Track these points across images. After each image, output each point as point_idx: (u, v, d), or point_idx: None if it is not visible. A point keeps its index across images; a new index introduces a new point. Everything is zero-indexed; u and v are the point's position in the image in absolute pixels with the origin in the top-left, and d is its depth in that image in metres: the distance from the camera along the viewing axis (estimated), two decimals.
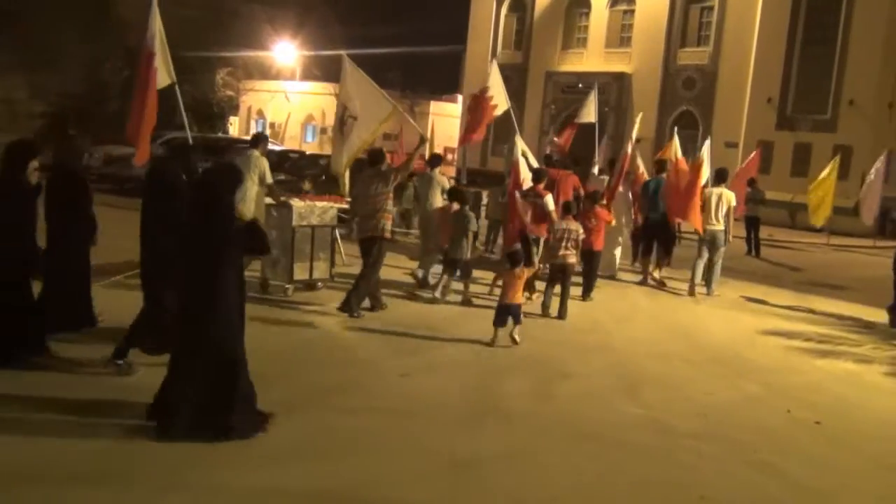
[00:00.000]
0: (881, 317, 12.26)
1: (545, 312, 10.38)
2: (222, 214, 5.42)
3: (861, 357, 9.80)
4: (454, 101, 46.21)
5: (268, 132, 48.42)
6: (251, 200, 9.96)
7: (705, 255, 12.93)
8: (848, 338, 10.87)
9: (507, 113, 14.17)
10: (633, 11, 37.14)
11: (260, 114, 51.45)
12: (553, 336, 9.52)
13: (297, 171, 18.86)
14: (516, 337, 8.65)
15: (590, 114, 17.33)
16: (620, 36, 37.73)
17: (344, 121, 11.03)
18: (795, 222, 28.74)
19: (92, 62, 30.82)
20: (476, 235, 12.18)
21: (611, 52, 37.72)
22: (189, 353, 5.39)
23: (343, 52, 11.40)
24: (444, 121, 43.81)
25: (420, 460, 5.50)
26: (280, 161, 20.87)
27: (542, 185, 11.49)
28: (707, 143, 13.86)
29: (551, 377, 7.77)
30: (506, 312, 8.70)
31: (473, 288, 11.14)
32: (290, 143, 41.53)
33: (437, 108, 45.09)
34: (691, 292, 12.82)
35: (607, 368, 8.31)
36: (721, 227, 12.80)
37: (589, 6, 38.38)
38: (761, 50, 32.52)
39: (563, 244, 10.38)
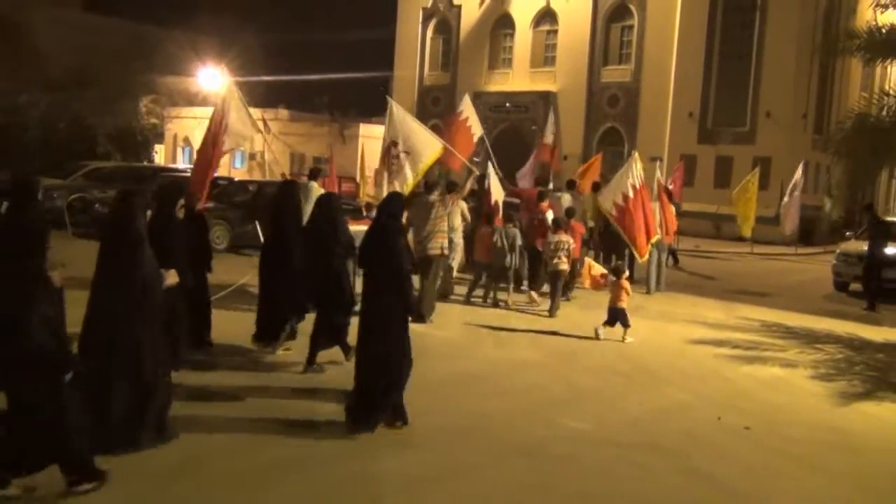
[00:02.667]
0: (804, 322, 12.66)
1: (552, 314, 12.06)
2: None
3: (786, 362, 10.07)
4: (383, 123, 46.20)
5: (194, 159, 47.71)
6: None
7: (655, 257, 14.78)
8: (773, 343, 11.16)
9: (480, 139, 15.04)
10: (555, 31, 37.74)
11: (186, 141, 50.53)
12: (485, 353, 9.55)
13: (226, 198, 18.56)
14: (627, 338, 10.56)
15: (549, 134, 18.27)
16: (545, 55, 38.28)
17: (394, 155, 12.04)
18: (720, 232, 29.51)
19: (8, 93, 29.94)
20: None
21: (536, 72, 38.25)
22: None
23: (388, 97, 12.78)
24: (374, 143, 43.36)
25: (355, 482, 5.44)
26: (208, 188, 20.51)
27: (545, 204, 13.42)
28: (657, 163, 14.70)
29: (487, 394, 7.78)
30: (615, 314, 10.60)
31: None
32: (219, 170, 40.91)
33: (366, 130, 44.82)
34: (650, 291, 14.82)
35: (541, 384, 8.35)
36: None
37: (513, 27, 38.89)
38: (680, 66, 33.37)
39: (557, 254, 12.08)
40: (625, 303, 10.68)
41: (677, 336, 11.30)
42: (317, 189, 11.54)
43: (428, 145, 12.12)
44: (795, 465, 6.48)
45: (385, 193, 11.39)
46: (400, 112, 12.35)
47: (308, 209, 9.07)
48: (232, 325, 9.13)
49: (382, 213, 6.67)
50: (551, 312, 12.09)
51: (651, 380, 8.84)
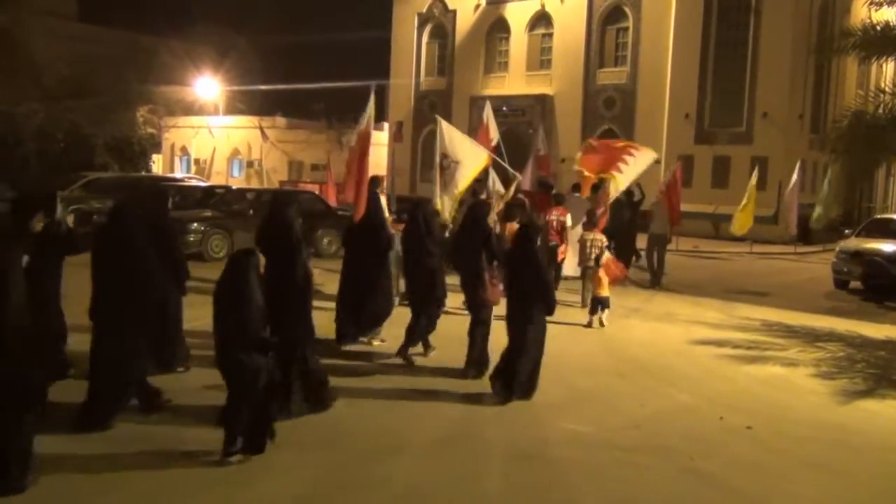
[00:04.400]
0: (804, 320, 12.63)
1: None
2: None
3: (788, 361, 10.04)
4: (381, 129, 46.21)
5: (192, 169, 47.75)
6: None
7: (656, 252, 16.18)
8: (774, 342, 11.14)
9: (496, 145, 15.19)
10: (551, 35, 37.76)
11: (184, 150, 50.58)
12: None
13: (224, 207, 18.55)
14: (604, 320, 11.52)
15: (541, 145, 18.87)
16: (541, 59, 38.29)
17: (445, 166, 12.50)
18: (719, 232, 29.49)
19: (3, 105, 29.92)
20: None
21: (532, 75, 38.26)
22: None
23: (437, 116, 13.22)
24: (372, 149, 43.56)
25: (358, 493, 5.41)
26: (206, 197, 20.52)
27: (561, 208, 14.02)
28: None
29: (486, 398, 7.76)
30: (597, 302, 11.61)
31: None
32: (216, 179, 40.89)
33: None
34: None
35: (540, 386, 8.31)
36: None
37: (508, 31, 38.90)
38: (676, 67, 33.39)
39: (591, 251, 12.39)
40: (606, 291, 11.72)
41: (678, 336, 11.28)
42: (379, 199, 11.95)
43: (475, 155, 12.80)
44: (798, 463, 6.46)
45: (440, 203, 12.45)
46: (447, 126, 12.96)
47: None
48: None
49: (523, 229, 8.22)
50: (583, 302, 12.73)
51: (652, 381, 8.81)
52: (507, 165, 14.48)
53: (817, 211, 25.32)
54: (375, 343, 9.56)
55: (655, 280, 16.18)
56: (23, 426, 5.13)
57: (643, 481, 5.86)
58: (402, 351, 8.85)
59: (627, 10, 35.31)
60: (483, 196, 12.93)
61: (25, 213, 7.06)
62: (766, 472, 6.21)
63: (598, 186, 15.93)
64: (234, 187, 25.03)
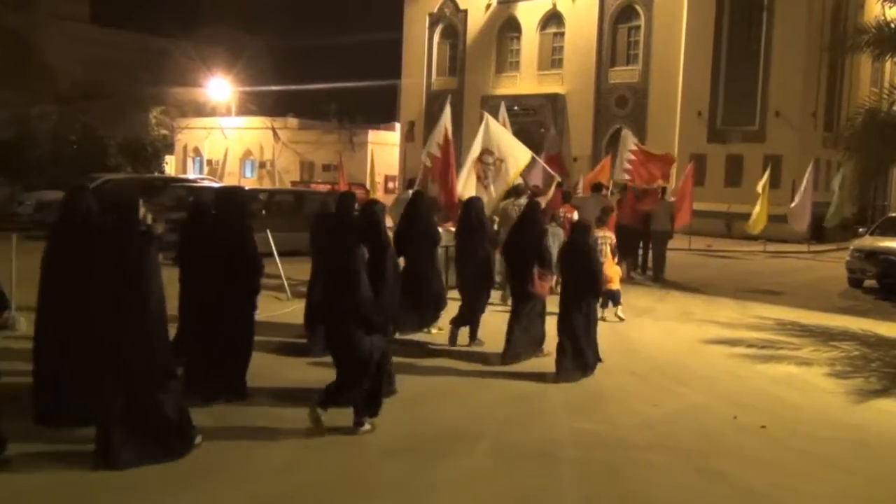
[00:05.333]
0: (818, 319, 12.55)
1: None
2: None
3: (801, 360, 9.99)
4: (392, 129, 46.31)
5: (205, 169, 47.94)
6: None
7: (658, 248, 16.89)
8: (788, 342, 11.08)
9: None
10: (562, 34, 37.69)
11: (196, 151, 50.80)
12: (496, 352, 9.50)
13: None
14: (620, 314, 11.94)
15: (553, 146, 19.39)
16: (552, 58, 38.22)
17: (489, 163, 13.02)
18: (731, 231, 29.39)
19: (18, 107, 30.11)
20: None
21: (544, 74, 38.19)
22: None
23: (484, 112, 14.48)
24: (383, 149, 43.80)
25: (354, 487, 5.43)
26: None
27: (569, 204, 14.40)
28: None
29: (500, 398, 7.75)
30: (608, 295, 11.69)
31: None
32: (229, 180, 41.00)
33: (375, 136, 45.02)
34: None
35: (551, 386, 8.31)
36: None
37: (520, 30, 38.85)
38: (689, 66, 33.26)
39: (601, 248, 12.27)
40: (616, 285, 12.01)
41: (691, 336, 11.25)
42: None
43: (519, 153, 13.20)
44: (812, 463, 6.42)
45: (495, 205, 12.96)
46: (494, 123, 13.48)
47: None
48: None
49: (576, 227, 9.28)
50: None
51: (665, 380, 8.79)
52: (546, 166, 14.87)
53: (832, 209, 25.19)
54: (434, 331, 10.19)
55: (656, 275, 16.81)
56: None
57: (657, 481, 5.84)
58: (473, 337, 9.77)
59: (639, 8, 35.22)
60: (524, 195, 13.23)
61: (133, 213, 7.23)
62: (780, 472, 6.18)
63: (599, 187, 16.33)
64: (246, 188, 25.09)
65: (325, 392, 6.40)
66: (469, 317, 9.75)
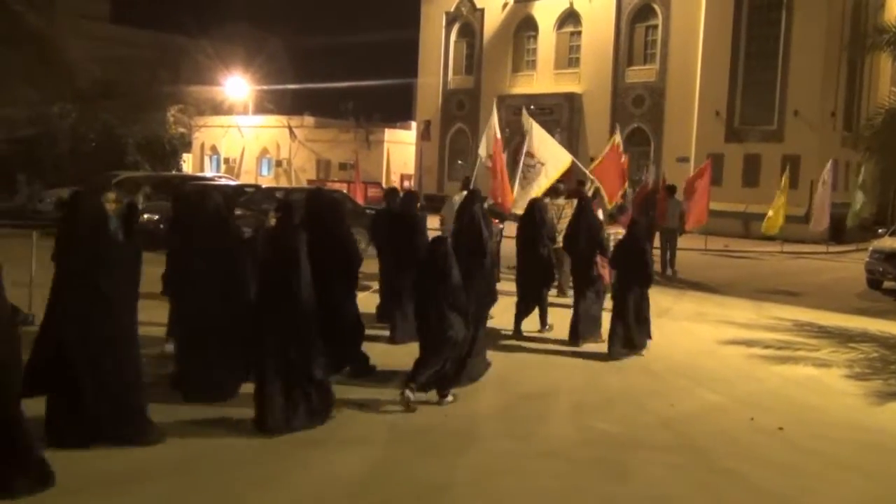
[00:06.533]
0: (837, 320, 12.46)
1: None
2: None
3: (820, 361, 9.93)
4: (408, 127, 46.35)
5: (222, 168, 48.16)
6: None
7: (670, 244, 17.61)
8: (806, 343, 11.01)
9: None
10: (579, 33, 37.58)
11: (214, 150, 51.05)
12: (512, 355, 9.50)
13: (253, 206, 18.66)
14: None
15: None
16: (569, 57, 38.10)
17: (529, 165, 13.60)
18: (749, 232, 29.21)
19: (38, 105, 30.31)
20: None
21: (560, 74, 38.09)
22: None
23: (525, 111, 14.77)
24: (399, 148, 43.93)
25: (363, 485, 5.45)
26: (235, 196, 20.66)
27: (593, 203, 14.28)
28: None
29: (513, 397, 7.75)
30: None
31: None
32: (245, 178, 41.24)
33: (391, 135, 45.09)
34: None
35: (569, 385, 8.31)
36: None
37: (536, 29, 38.76)
38: (706, 65, 33.05)
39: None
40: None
41: (708, 337, 11.20)
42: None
43: (560, 157, 13.80)
44: (830, 465, 6.39)
45: (518, 198, 13.41)
46: (537, 128, 14.02)
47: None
48: None
49: (634, 225, 10.26)
50: None
51: (682, 380, 8.76)
52: (585, 169, 15.28)
53: (853, 209, 25.00)
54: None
55: (669, 271, 17.33)
56: None
57: (674, 481, 5.83)
58: (543, 324, 10.65)
59: (657, 7, 35.07)
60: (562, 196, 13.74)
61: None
62: (797, 474, 6.15)
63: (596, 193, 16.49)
64: (263, 186, 25.23)
65: (413, 373, 7.12)
66: (535, 306, 10.61)
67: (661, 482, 5.80)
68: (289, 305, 6.47)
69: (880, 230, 20.01)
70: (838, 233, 27.01)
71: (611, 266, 10.58)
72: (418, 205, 10.90)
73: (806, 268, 21.98)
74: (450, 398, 7.29)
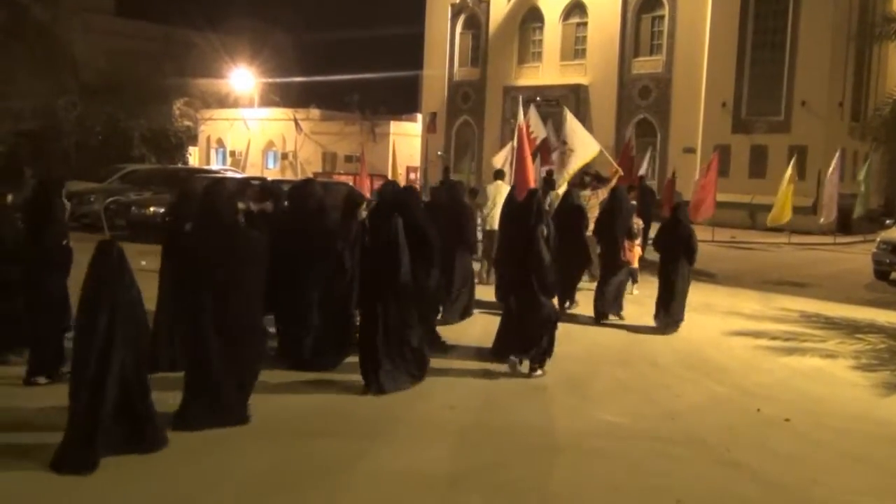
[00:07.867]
0: (844, 311, 12.41)
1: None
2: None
3: (827, 352, 9.90)
4: (414, 120, 46.30)
5: (228, 161, 48.17)
6: (495, 219, 12.64)
7: None
8: (813, 334, 10.98)
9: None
10: (585, 24, 37.43)
11: (220, 143, 51.08)
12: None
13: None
14: (634, 290, 12.76)
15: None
16: (575, 48, 37.96)
17: (562, 152, 13.97)
18: (756, 223, 29.11)
19: (44, 98, 30.36)
20: None
21: (566, 65, 37.96)
22: None
23: (564, 106, 15.61)
24: (405, 140, 43.81)
25: (376, 481, 5.45)
26: (241, 188, 20.64)
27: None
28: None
29: (519, 389, 7.75)
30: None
31: None
32: (251, 171, 41.21)
33: (397, 127, 45.04)
34: None
35: (574, 377, 8.30)
36: None
37: (542, 20, 38.63)
38: (713, 56, 32.91)
39: None
40: (635, 263, 12.55)
41: (715, 328, 11.18)
42: (504, 187, 13.20)
43: (588, 146, 14.05)
44: (837, 456, 6.37)
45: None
46: (571, 117, 14.43)
47: (499, 206, 12.25)
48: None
49: (677, 211, 11.05)
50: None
51: (688, 372, 8.75)
52: (612, 159, 15.45)
53: (860, 199, 24.89)
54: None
55: None
56: None
57: (680, 473, 5.82)
58: (571, 300, 11.46)
59: None
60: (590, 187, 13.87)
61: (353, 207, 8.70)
62: (805, 465, 6.13)
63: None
64: (269, 179, 25.19)
65: (523, 348, 8.10)
66: (572, 293, 11.40)
67: (667, 474, 5.79)
68: (392, 284, 7.39)
69: (888, 221, 19.92)
70: (845, 224, 26.90)
71: (655, 247, 11.05)
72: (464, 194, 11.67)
73: (813, 259, 21.91)
74: (539, 372, 8.06)
